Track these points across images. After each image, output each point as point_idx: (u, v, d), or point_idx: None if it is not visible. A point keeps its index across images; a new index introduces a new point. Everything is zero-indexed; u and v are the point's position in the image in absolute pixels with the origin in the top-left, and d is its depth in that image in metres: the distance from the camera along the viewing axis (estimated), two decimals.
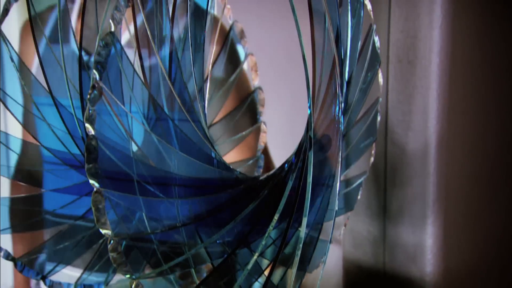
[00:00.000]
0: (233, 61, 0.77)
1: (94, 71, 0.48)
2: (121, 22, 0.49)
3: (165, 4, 0.58)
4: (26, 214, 0.62)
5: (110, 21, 0.49)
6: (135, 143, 0.55)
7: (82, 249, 0.65)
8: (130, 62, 0.57)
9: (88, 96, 0.47)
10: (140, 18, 0.55)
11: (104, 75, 0.49)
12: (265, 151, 0.84)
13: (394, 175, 0.76)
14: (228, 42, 0.76)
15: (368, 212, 0.80)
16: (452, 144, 0.72)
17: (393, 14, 0.72)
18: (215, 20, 0.72)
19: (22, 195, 0.62)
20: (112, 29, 0.48)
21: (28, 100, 0.60)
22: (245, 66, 0.79)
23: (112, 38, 0.48)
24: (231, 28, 0.74)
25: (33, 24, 0.56)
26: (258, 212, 0.58)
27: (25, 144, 0.61)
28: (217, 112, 0.78)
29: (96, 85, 0.47)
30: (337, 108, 0.59)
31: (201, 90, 0.69)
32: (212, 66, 0.74)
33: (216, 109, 0.77)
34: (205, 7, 0.63)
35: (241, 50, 0.77)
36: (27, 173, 0.62)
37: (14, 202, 0.61)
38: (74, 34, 0.62)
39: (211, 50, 0.73)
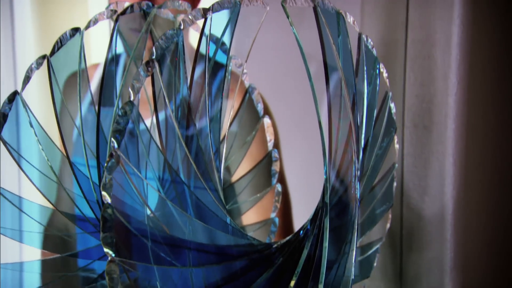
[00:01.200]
0: (250, 120, 0.77)
1: (112, 139, 0.48)
2: (140, 91, 0.49)
3: (183, 68, 0.59)
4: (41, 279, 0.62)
5: (130, 90, 0.49)
6: (150, 209, 0.55)
7: None
8: (147, 128, 0.57)
9: (106, 165, 0.47)
10: (159, 85, 0.55)
11: (121, 143, 0.49)
12: (280, 213, 0.83)
13: (411, 241, 0.74)
14: (245, 102, 0.76)
15: (384, 278, 0.79)
16: (469, 210, 0.71)
17: (408, 79, 0.73)
18: (232, 82, 0.72)
19: (37, 259, 0.61)
20: (132, 98, 0.49)
21: (45, 163, 0.60)
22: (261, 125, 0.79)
23: (131, 107, 0.48)
24: (247, 91, 0.75)
25: (52, 87, 0.56)
26: (273, 280, 0.57)
27: (42, 209, 0.61)
28: (233, 172, 0.78)
29: (114, 154, 0.47)
30: (353, 174, 0.59)
31: (218, 151, 0.69)
32: (229, 126, 0.74)
33: (233, 168, 0.77)
34: (223, 75, 0.63)
35: (257, 110, 0.78)
36: (45, 238, 0.62)
37: (28, 267, 0.61)
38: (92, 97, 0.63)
39: (228, 104, 0.74)
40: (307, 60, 0.57)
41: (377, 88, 0.60)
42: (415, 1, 0.71)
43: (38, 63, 0.54)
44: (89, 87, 0.61)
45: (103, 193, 0.47)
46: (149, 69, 0.51)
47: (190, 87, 0.59)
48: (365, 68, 0.59)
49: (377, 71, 0.59)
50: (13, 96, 0.53)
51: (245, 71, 0.73)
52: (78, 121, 0.66)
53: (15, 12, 2.08)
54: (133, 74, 0.68)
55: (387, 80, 0.62)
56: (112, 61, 0.63)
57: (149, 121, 0.72)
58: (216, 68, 0.64)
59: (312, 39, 0.58)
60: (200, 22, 0.56)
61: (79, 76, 0.55)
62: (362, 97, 0.59)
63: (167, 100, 0.55)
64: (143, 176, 0.54)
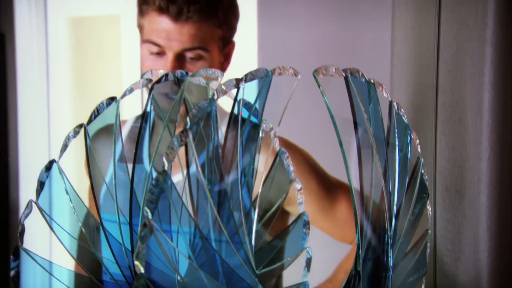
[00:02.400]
0: (281, 184, 0.77)
1: (146, 208, 0.48)
2: (173, 160, 0.50)
3: (216, 135, 0.60)
4: None
5: (164, 160, 0.50)
6: (180, 276, 0.55)
7: None
8: (180, 196, 0.58)
9: (139, 234, 0.47)
10: (191, 152, 0.56)
11: (155, 212, 0.50)
12: None
13: None
14: (276, 166, 0.76)
15: None
16: (505, 277, 0.70)
17: (439, 143, 0.72)
18: (264, 146, 0.73)
19: None
20: (166, 168, 0.49)
21: (76, 227, 0.61)
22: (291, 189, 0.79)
23: (164, 177, 0.49)
24: (278, 155, 0.75)
25: (88, 155, 0.58)
26: None
27: (71, 274, 0.61)
28: (263, 236, 0.78)
29: (147, 223, 0.48)
30: (386, 242, 0.58)
31: (249, 214, 0.69)
32: (261, 189, 0.75)
33: (262, 233, 0.77)
34: (255, 139, 0.64)
35: (288, 173, 0.78)
36: None
37: None
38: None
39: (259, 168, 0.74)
40: (338, 126, 0.57)
41: (409, 154, 0.60)
42: (445, 66, 0.72)
43: (75, 132, 0.56)
44: (122, 143, 0.62)
45: (136, 262, 0.47)
46: (183, 138, 0.52)
47: (223, 151, 0.59)
48: (396, 135, 0.59)
49: (409, 138, 0.59)
50: (50, 165, 0.54)
51: (276, 134, 0.74)
52: (108, 179, 0.67)
53: (50, 84, 2.16)
54: (160, 132, 0.70)
55: (419, 146, 0.62)
56: (145, 126, 0.64)
57: (177, 176, 0.73)
58: (248, 132, 0.64)
59: (342, 105, 0.59)
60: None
61: (114, 147, 0.56)
62: (394, 164, 0.59)
63: (199, 165, 0.55)
64: (174, 245, 0.54)
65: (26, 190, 2.13)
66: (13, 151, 2.19)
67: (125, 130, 0.97)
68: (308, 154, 0.91)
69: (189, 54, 0.86)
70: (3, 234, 2.22)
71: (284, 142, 0.91)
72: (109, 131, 0.85)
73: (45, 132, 2.13)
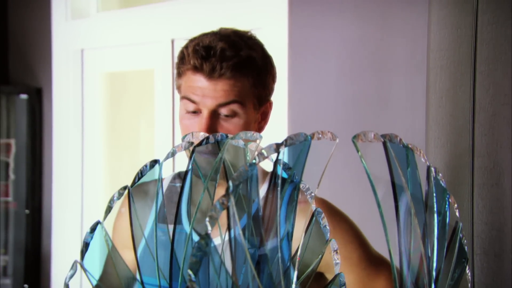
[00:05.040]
0: (315, 245, 0.77)
1: (189, 271, 0.49)
2: (215, 224, 0.51)
3: (257, 196, 0.61)
4: None
5: (207, 223, 0.51)
6: None
7: None
8: (221, 259, 0.58)
9: None
10: (232, 213, 0.57)
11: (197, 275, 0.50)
12: None
13: None
14: (311, 226, 0.77)
15: None
16: None
17: (476, 206, 0.72)
18: (302, 207, 0.73)
19: None
20: (209, 231, 0.50)
21: None
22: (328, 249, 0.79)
23: (207, 241, 0.50)
24: (314, 215, 0.76)
25: (132, 217, 0.59)
26: None
27: None
28: None
29: (190, 286, 0.48)
30: None
31: (286, 274, 0.69)
32: (297, 249, 0.75)
33: None
34: (294, 200, 0.65)
35: (323, 233, 0.78)
36: None
37: None
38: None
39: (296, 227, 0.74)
40: (376, 189, 0.58)
41: (447, 218, 0.60)
42: (480, 129, 0.72)
43: (120, 194, 0.57)
44: (163, 204, 0.64)
45: None
46: (225, 202, 0.53)
47: (263, 215, 0.60)
48: (434, 199, 0.59)
49: (447, 202, 0.59)
50: (95, 226, 0.55)
51: (312, 194, 0.74)
52: (144, 242, 0.68)
53: (85, 137, 2.21)
54: (198, 190, 0.71)
55: (457, 211, 0.62)
56: (185, 187, 0.66)
57: (216, 239, 0.73)
58: (288, 195, 0.65)
59: (381, 168, 0.60)
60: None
61: (156, 210, 0.58)
62: (433, 228, 0.59)
63: (240, 229, 0.56)
64: None
65: (57, 242, 2.16)
66: (47, 204, 2.22)
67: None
68: (353, 222, 0.90)
69: (223, 111, 0.88)
70: (35, 283, 2.23)
71: (329, 208, 0.91)
72: (145, 191, 0.86)
73: (78, 184, 2.16)
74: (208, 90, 0.89)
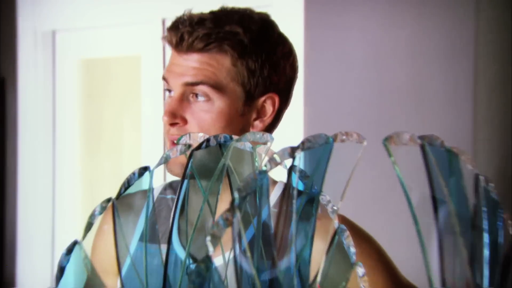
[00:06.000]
0: (341, 268, 0.78)
1: None
2: (217, 244, 0.51)
3: (268, 209, 0.61)
4: None
5: (208, 243, 0.51)
6: None
7: None
8: (222, 282, 0.59)
9: None
10: (237, 230, 0.57)
11: None
12: None
13: None
14: (334, 246, 0.77)
15: None
16: None
17: None
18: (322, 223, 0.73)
19: None
20: (210, 253, 0.51)
21: None
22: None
23: (208, 265, 0.50)
24: (336, 233, 0.76)
25: (117, 233, 0.60)
26: None
27: None
28: None
29: None
30: None
31: None
32: (317, 275, 0.75)
33: None
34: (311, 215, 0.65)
35: (348, 255, 0.78)
36: None
37: None
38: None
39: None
40: (412, 204, 0.58)
41: (500, 239, 0.60)
42: None
43: (102, 207, 0.57)
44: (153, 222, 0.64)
45: None
46: (229, 218, 0.53)
47: (275, 233, 0.60)
48: (484, 215, 0.59)
49: (500, 219, 0.59)
50: (73, 246, 0.56)
51: (334, 208, 0.75)
52: (131, 265, 0.68)
53: (57, 133, 2.21)
54: (192, 204, 0.71)
55: (511, 228, 0.62)
56: (179, 199, 0.66)
57: (218, 259, 0.74)
58: (304, 209, 0.65)
59: (418, 177, 0.60)
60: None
61: (146, 227, 0.58)
62: (482, 251, 0.59)
63: (248, 249, 0.56)
64: None
65: (23, 267, 2.16)
66: (10, 216, 2.23)
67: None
68: (378, 244, 0.90)
69: (192, 93, 0.86)
70: None
71: (350, 226, 0.91)
72: (132, 204, 0.86)
73: (49, 196, 2.16)
74: (175, 65, 0.90)
